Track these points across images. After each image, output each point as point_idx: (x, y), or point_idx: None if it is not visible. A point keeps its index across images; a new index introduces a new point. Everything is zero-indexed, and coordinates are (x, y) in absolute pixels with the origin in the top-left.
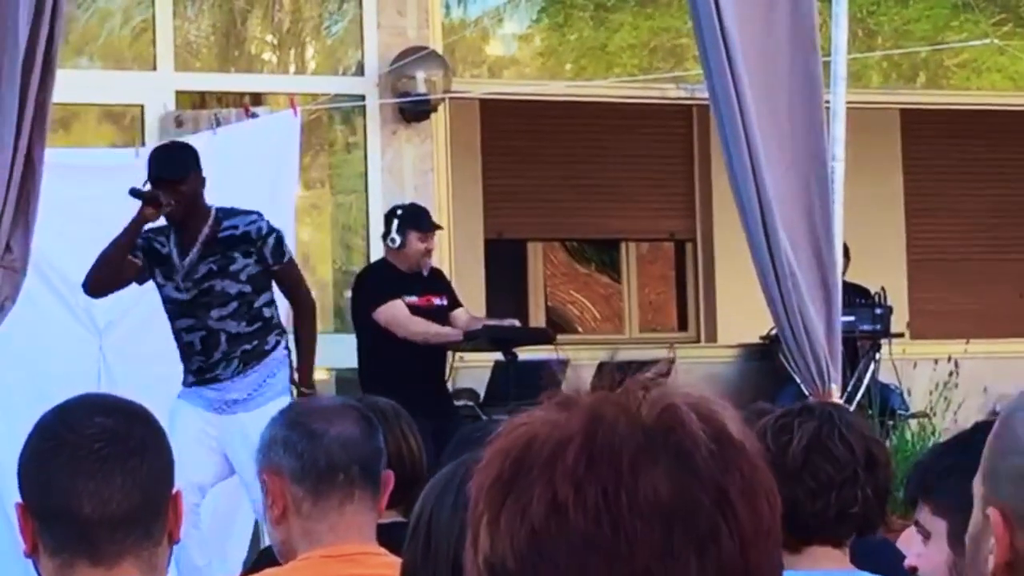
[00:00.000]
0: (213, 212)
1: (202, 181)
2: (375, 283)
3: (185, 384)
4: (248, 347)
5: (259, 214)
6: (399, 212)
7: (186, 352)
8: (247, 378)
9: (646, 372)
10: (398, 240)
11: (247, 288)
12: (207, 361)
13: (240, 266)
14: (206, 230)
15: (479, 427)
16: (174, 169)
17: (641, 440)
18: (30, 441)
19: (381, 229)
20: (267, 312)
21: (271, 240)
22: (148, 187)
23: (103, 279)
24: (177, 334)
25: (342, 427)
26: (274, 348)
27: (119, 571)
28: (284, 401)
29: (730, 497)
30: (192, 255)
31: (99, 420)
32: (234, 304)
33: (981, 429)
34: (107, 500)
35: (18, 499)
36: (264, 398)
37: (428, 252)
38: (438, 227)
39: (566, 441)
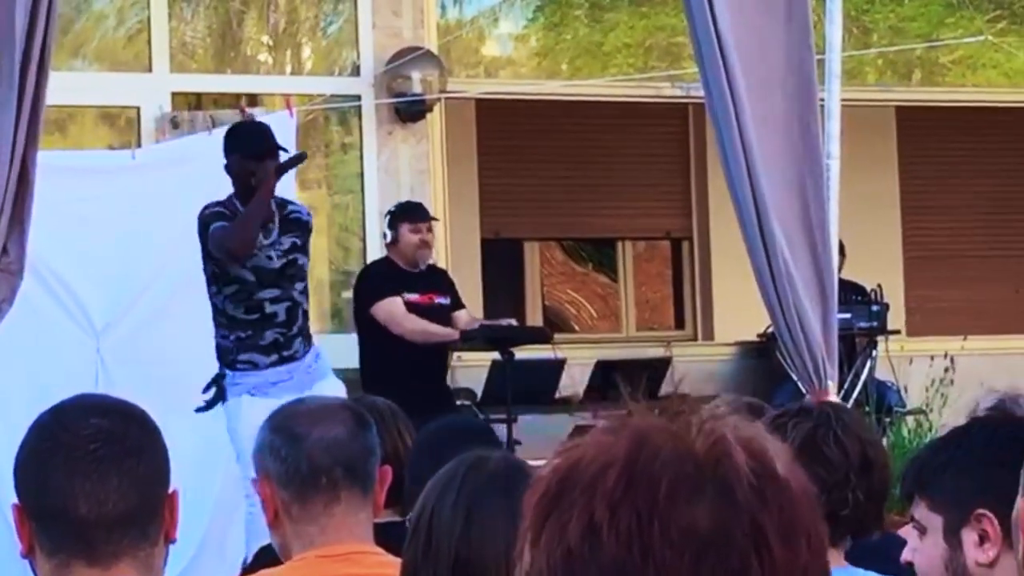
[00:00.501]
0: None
1: None
2: (375, 279)
3: (257, 369)
4: (308, 324)
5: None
6: (392, 209)
7: (260, 324)
8: (309, 354)
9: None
10: (390, 235)
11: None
12: (286, 334)
13: (304, 245)
14: (275, 207)
15: (442, 428)
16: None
17: (682, 469)
18: (26, 442)
19: (378, 229)
20: None
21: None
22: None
23: (254, 241)
24: (256, 306)
25: (325, 429)
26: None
27: (116, 572)
28: (334, 381)
29: (766, 533)
30: (276, 227)
31: (95, 421)
32: (306, 282)
33: (977, 425)
34: (103, 501)
35: (15, 500)
36: (321, 371)
37: (424, 244)
38: (433, 218)
39: (609, 463)
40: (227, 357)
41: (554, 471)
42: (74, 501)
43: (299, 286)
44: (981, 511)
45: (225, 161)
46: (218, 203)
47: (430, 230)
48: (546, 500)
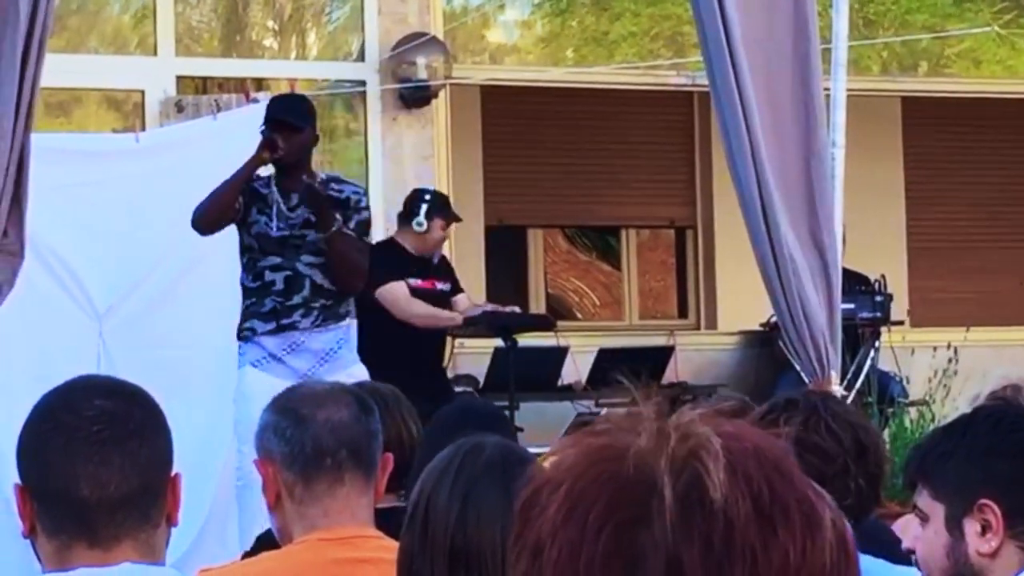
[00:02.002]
0: (321, 175)
1: (316, 139)
2: (381, 262)
3: (256, 336)
4: (327, 302)
5: (364, 190)
6: (427, 197)
7: (261, 292)
8: (327, 333)
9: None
10: (425, 225)
11: None
12: (284, 303)
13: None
14: (318, 183)
15: (456, 410)
16: (296, 117)
17: (613, 497)
18: (29, 423)
19: (383, 214)
20: None
21: (364, 214)
22: (265, 132)
23: (213, 216)
24: (257, 274)
25: (330, 412)
26: (347, 316)
27: (117, 553)
28: (359, 370)
29: (684, 571)
30: (293, 198)
31: (99, 402)
32: (321, 258)
33: (981, 414)
34: (105, 483)
35: (17, 480)
36: (344, 360)
37: (444, 240)
38: (459, 219)
39: (559, 483)
40: (239, 327)
41: (531, 480)
42: (76, 483)
43: (307, 259)
44: (984, 501)
45: None
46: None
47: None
48: (520, 510)
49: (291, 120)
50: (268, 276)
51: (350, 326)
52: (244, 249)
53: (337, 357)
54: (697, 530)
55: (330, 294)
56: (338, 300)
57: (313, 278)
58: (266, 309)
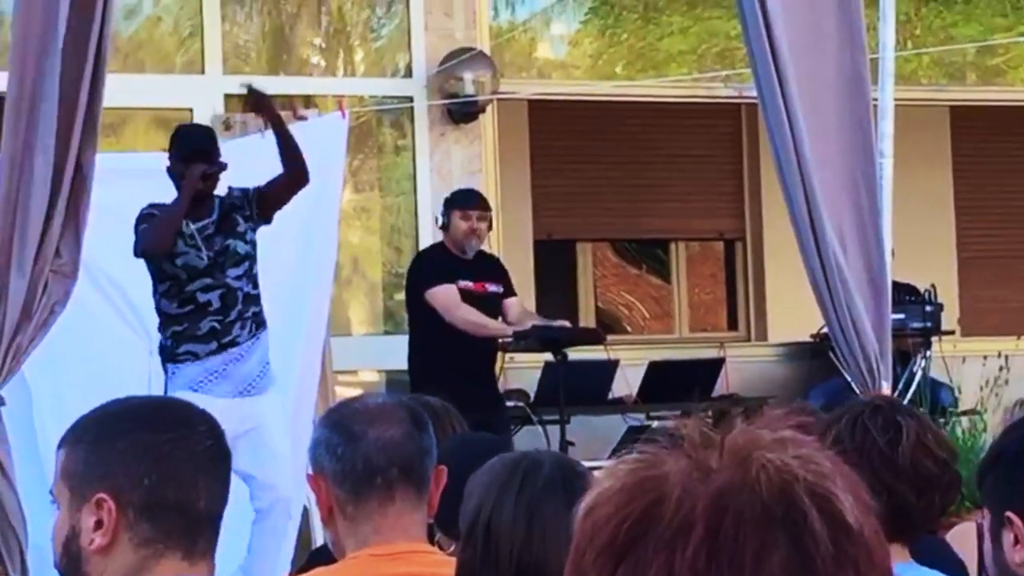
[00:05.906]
0: (222, 193)
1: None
2: (430, 264)
3: (199, 360)
4: (256, 310)
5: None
6: (448, 196)
7: (198, 314)
8: (259, 343)
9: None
10: (441, 220)
11: (252, 250)
12: (223, 320)
13: (243, 228)
14: (218, 202)
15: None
16: (217, 149)
17: (763, 534)
18: (131, 431)
19: (431, 231)
20: (259, 282)
21: (251, 191)
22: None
23: (166, 241)
24: (186, 299)
25: (382, 429)
26: (265, 321)
27: (201, 567)
28: (276, 394)
29: None
30: (210, 226)
31: (202, 418)
32: (245, 264)
33: (1018, 426)
34: (219, 496)
35: (101, 494)
36: (268, 380)
37: (472, 232)
38: (484, 207)
39: (689, 526)
40: (166, 355)
41: (624, 513)
42: (195, 495)
43: (233, 272)
44: (1009, 513)
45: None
46: (155, 205)
47: (481, 219)
48: (615, 547)
49: (213, 151)
50: (201, 298)
51: (267, 331)
52: (165, 278)
53: (269, 371)
54: (849, 559)
55: (255, 300)
56: (260, 304)
57: (243, 289)
58: (204, 331)
